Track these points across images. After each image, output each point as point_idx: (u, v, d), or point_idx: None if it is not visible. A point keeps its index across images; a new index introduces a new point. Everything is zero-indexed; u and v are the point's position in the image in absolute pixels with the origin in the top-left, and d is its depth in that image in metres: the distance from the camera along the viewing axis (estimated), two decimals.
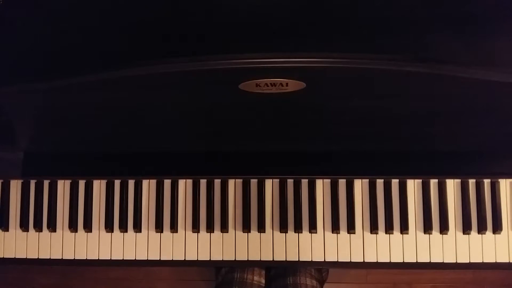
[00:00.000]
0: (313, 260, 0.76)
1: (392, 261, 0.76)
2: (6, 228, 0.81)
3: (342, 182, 0.77)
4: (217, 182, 0.78)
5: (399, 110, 0.66)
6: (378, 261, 0.76)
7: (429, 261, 0.75)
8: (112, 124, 0.71)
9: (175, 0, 0.65)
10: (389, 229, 0.75)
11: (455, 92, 0.61)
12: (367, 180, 0.77)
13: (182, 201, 0.79)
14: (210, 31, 0.61)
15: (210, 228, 0.77)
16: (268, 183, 0.78)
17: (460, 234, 0.76)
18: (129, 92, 0.63)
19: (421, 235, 0.76)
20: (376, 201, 0.76)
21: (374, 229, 0.76)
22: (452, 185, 0.76)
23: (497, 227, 0.75)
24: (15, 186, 0.82)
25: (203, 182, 0.79)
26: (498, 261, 0.75)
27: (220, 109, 0.67)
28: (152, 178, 0.79)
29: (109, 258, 0.79)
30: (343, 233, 0.76)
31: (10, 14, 0.68)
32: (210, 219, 0.78)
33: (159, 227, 0.78)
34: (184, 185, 0.79)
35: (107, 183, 0.80)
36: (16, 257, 0.81)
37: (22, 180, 0.81)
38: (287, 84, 0.59)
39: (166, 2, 0.65)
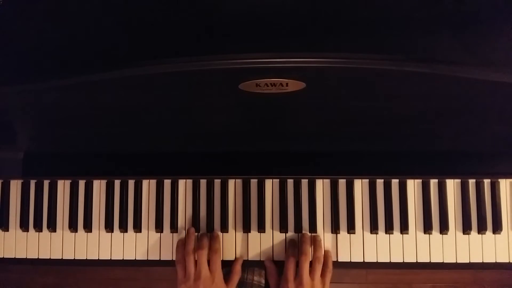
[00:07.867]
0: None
1: (392, 261, 0.76)
2: (6, 228, 0.81)
3: (342, 182, 0.77)
4: (217, 182, 0.79)
5: (398, 110, 0.66)
6: (378, 261, 0.76)
7: (429, 261, 0.75)
8: (112, 124, 0.71)
9: (175, 0, 0.65)
10: (389, 229, 0.75)
11: (455, 92, 0.61)
12: (367, 180, 0.77)
13: (182, 201, 0.79)
14: (210, 31, 0.61)
15: (210, 228, 0.78)
16: (268, 183, 0.78)
17: (460, 234, 0.76)
18: (129, 92, 0.63)
19: (421, 235, 0.76)
20: (376, 201, 0.76)
21: (374, 229, 0.76)
22: (452, 185, 0.76)
23: (497, 227, 0.75)
24: (15, 186, 0.82)
25: (203, 182, 0.79)
26: (498, 261, 0.75)
27: (220, 109, 0.67)
28: (152, 178, 0.79)
29: (109, 258, 0.79)
30: (343, 233, 0.76)
31: (10, 14, 0.67)
32: (210, 219, 0.78)
33: (159, 227, 0.78)
34: (184, 185, 0.79)
35: (107, 183, 0.80)
36: (16, 257, 0.81)
37: (22, 180, 0.81)
38: (287, 84, 0.59)
39: (166, 1, 0.65)
